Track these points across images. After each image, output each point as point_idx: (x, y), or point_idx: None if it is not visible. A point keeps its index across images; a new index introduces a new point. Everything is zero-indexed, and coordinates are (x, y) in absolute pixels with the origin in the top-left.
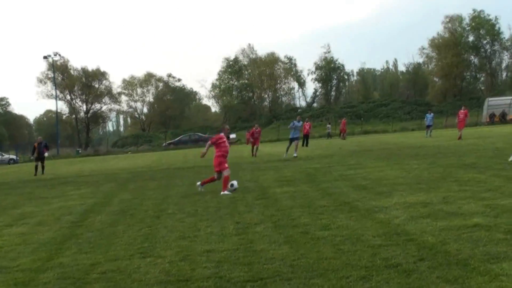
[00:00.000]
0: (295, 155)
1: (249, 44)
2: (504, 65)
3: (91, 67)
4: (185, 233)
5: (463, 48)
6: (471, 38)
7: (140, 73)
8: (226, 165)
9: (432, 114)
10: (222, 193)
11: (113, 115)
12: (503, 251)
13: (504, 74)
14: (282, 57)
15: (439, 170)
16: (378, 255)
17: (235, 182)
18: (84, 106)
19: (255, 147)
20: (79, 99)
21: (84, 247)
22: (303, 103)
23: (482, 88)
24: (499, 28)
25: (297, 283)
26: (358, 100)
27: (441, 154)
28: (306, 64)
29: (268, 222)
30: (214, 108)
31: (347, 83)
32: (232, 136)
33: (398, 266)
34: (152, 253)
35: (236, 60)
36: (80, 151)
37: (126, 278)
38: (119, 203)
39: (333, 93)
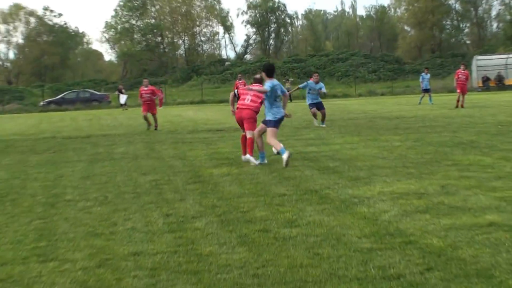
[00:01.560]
0: (323, 125)
1: None
2: (493, 13)
3: None
4: (96, 228)
5: None
6: None
7: (3, 4)
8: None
9: (429, 74)
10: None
11: None
12: None
13: (495, 25)
14: None
15: (429, 149)
16: (370, 262)
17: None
18: None
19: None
20: None
21: None
22: (232, 54)
23: (467, 42)
24: None
25: None
26: (306, 53)
27: (429, 128)
28: (235, 2)
29: (210, 215)
30: (109, 55)
31: (290, 29)
32: (123, 98)
33: (401, 277)
34: (54, 256)
35: None
36: None
37: None
38: None
39: (272, 41)
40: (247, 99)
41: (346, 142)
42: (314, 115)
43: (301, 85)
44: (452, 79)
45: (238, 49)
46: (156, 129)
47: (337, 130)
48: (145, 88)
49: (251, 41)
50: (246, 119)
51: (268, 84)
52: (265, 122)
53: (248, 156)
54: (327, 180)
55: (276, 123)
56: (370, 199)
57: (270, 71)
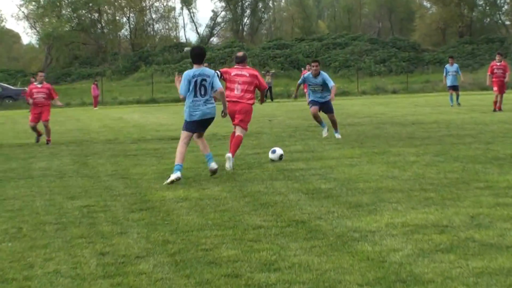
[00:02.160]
0: (337, 135)
1: None
2: None
3: None
4: (5, 272)
5: None
6: None
7: None
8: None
9: (456, 65)
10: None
11: None
12: None
13: None
14: None
15: (455, 166)
16: None
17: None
18: None
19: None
20: None
21: None
22: (193, 37)
23: (506, 22)
24: None
25: None
26: (292, 36)
27: (455, 137)
28: None
29: (160, 254)
30: (29, 37)
31: (271, 4)
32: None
33: None
34: None
35: None
36: None
37: None
38: None
39: (247, 20)
40: (237, 89)
41: (344, 155)
42: (316, 117)
43: (299, 81)
44: (486, 72)
45: (202, 30)
46: (48, 143)
47: (334, 139)
48: (38, 86)
49: (219, 20)
50: (241, 114)
51: (186, 74)
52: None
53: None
54: (318, 207)
55: (189, 126)
56: (376, 233)
57: (196, 57)
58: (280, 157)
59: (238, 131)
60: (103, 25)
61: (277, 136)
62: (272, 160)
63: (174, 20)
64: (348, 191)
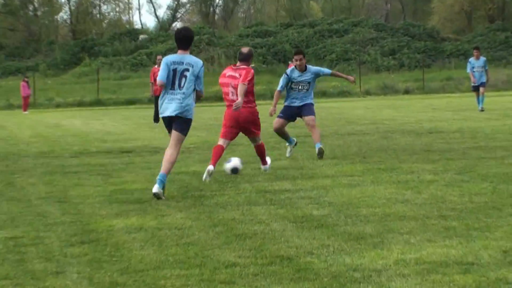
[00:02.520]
0: (318, 146)
1: None
2: None
3: None
4: None
5: None
6: None
7: None
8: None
9: (483, 58)
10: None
11: None
12: None
13: None
14: None
15: (484, 187)
16: None
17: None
18: None
19: None
20: None
21: None
22: (151, 22)
23: None
24: None
25: None
26: (276, 21)
27: (483, 150)
28: None
29: None
30: None
31: None
32: None
33: None
34: None
35: None
36: None
37: None
38: None
39: (219, 0)
40: (232, 93)
41: (342, 173)
42: (280, 132)
43: (280, 86)
44: None
45: (162, 13)
46: None
47: (329, 152)
48: None
49: (183, 0)
50: (249, 122)
51: (165, 59)
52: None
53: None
54: (308, 239)
55: (164, 123)
56: (382, 273)
57: (180, 41)
58: (234, 170)
59: (254, 141)
60: (36, 6)
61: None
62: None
63: (126, 1)
64: (347, 219)
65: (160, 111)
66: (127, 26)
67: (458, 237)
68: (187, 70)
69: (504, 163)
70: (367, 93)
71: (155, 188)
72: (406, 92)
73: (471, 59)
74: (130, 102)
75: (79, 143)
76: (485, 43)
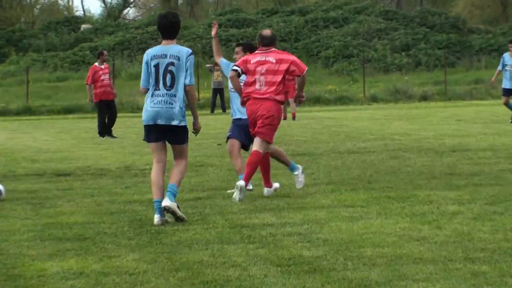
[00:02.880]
0: (249, 187)
1: None
2: None
3: None
4: None
5: None
6: None
7: None
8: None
9: None
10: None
11: None
12: None
13: None
14: None
15: None
16: None
17: None
18: None
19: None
20: None
21: None
22: (97, 8)
23: None
24: None
25: None
26: (258, 7)
27: None
28: None
29: None
30: None
31: None
32: None
33: None
34: None
35: None
36: None
37: None
38: None
39: None
40: (259, 81)
41: (340, 202)
42: (233, 155)
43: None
44: None
45: None
46: None
47: (323, 175)
48: None
49: None
50: (263, 119)
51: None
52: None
53: (269, 189)
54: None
55: (146, 132)
56: None
57: (164, 29)
58: None
59: (257, 145)
60: None
61: (230, 169)
62: None
63: None
64: (347, 262)
65: (144, 116)
66: (66, 13)
67: (490, 285)
68: (172, 64)
69: None
70: (373, 99)
71: (166, 201)
72: (424, 98)
73: (506, 55)
74: (69, 110)
75: (2, 163)
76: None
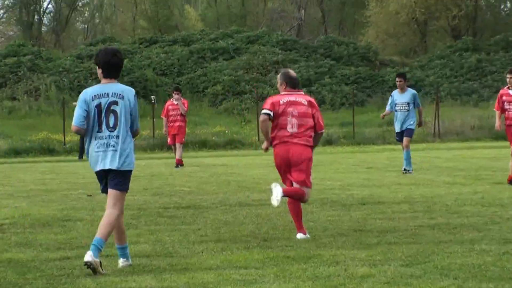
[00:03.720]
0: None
1: None
2: None
3: None
4: None
5: None
6: None
7: None
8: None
9: (411, 91)
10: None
11: None
12: None
13: None
14: None
15: (443, 286)
16: None
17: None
18: None
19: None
20: None
21: None
22: None
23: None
24: None
25: None
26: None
27: (442, 230)
28: None
29: None
30: None
31: None
32: None
33: None
34: None
35: None
36: None
37: None
38: None
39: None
40: (290, 124)
41: (231, 263)
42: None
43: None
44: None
45: None
46: None
47: (211, 232)
48: None
49: None
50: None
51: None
52: None
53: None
54: None
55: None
56: None
57: (106, 67)
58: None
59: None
60: None
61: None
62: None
63: None
64: None
65: (90, 163)
66: None
67: None
68: (115, 103)
69: (474, 249)
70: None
71: (88, 256)
72: (328, 142)
73: (395, 92)
74: None
75: None
76: (446, 70)
